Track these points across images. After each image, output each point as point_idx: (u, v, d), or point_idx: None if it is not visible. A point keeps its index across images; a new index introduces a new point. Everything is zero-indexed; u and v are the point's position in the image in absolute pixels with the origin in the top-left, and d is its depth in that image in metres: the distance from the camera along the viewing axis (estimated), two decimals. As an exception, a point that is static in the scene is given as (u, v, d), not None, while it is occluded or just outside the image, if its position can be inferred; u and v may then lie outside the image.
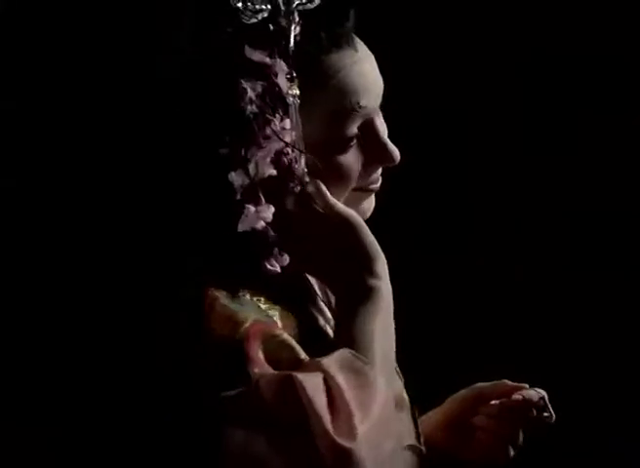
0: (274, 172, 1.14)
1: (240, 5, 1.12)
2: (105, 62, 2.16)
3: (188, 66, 1.18)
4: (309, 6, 1.14)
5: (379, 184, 1.27)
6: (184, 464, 1.11)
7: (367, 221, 1.24)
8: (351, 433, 1.07)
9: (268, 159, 1.14)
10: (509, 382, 1.32)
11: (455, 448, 1.35)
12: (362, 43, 1.20)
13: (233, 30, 1.13)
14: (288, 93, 1.14)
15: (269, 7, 1.12)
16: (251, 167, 1.13)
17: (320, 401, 1.07)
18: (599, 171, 2.44)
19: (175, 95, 1.20)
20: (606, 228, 2.46)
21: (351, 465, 1.06)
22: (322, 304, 1.27)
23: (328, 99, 1.17)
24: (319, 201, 1.19)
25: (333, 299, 1.25)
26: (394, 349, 1.19)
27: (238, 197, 1.13)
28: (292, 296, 1.21)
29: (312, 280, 1.27)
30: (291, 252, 1.18)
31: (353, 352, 1.12)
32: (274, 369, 1.10)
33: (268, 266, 1.16)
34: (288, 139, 1.14)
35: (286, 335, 1.13)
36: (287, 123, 1.14)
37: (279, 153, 1.15)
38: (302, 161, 1.16)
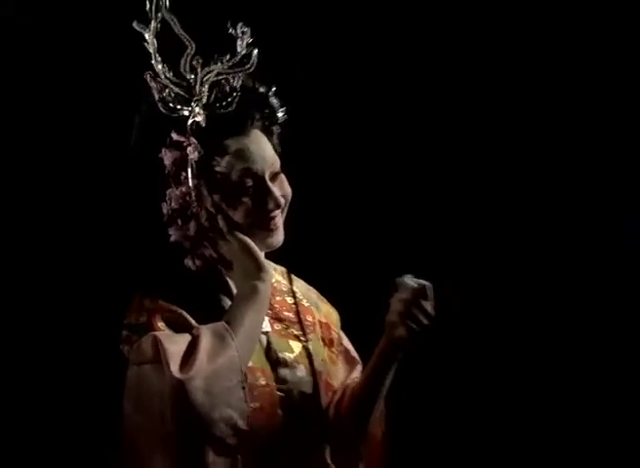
0: (184, 205, 1.82)
1: (165, 110, 1.81)
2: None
3: (135, 138, 1.88)
4: (224, 111, 1.82)
5: (275, 225, 1.87)
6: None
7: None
8: (189, 369, 1.67)
9: (179, 197, 1.82)
10: None
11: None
12: (256, 130, 1.85)
13: (162, 117, 1.81)
14: (192, 158, 1.80)
15: (189, 110, 1.81)
16: (168, 201, 1.82)
17: (173, 350, 1.69)
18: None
19: (126, 153, 1.90)
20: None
21: (185, 392, 1.66)
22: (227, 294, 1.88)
23: (229, 165, 1.82)
24: (225, 232, 1.84)
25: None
26: (260, 331, 1.83)
27: (165, 219, 1.85)
28: (209, 290, 1.88)
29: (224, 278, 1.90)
30: (210, 257, 1.87)
31: (226, 325, 1.76)
32: (173, 329, 1.77)
33: (188, 263, 1.86)
34: (189, 187, 1.81)
35: (180, 311, 1.78)
36: (192, 176, 1.80)
37: (185, 194, 1.81)
38: (208, 201, 1.82)
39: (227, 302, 1.88)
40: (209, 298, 1.88)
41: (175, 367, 1.68)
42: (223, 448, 1.71)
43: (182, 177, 1.82)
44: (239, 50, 1.82)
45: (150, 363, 1.72)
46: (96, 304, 2.69)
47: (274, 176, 1.87)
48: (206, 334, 1.74)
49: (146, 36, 1.80)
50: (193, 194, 1.82)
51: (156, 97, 1.80)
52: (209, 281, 1.89)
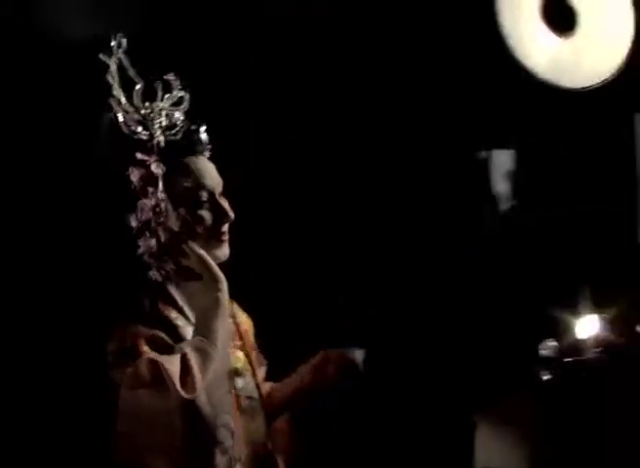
0: (151, 217, 2.01)
1: (128, 132, 2.02)
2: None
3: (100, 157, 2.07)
4: (174, 138, 2.07)
5: (225, 237, 2.09)
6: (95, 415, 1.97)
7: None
8: (193, 388, 1.86)
9: (148, 209, 2.01)
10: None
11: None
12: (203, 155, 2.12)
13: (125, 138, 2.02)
14: (158, 174, 2.02)
15: (148, 134, 2.04)
16: (137, 213, 2.01)
17: (174, 371, 1.85)
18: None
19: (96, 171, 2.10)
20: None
21: (195, 409, 1.85)
22: (184, 309, 2.07)
23: (188, 180, 2.06)
24: (185, 245, 2.05)
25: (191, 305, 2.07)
26: (231, 337, 2.06)
27: (133, 232, 2.03)
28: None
29: (178, 293, 2.08)
30: (170, 270, 2.05)
31: (203, 339, 1.94)
32: (157, 351, 1.91)
33: (154, 275, 2.03)
34: (158, 198, 2.02)
35: (160, 333, 1.96)
36: (158, 190, 2.02)
37: (155, 206, 2.01)
38: (172, 214, 2.03)
39: (173, 315, 2.06)
40: (159, 313, 2.06)
41: (180, 387, 1.85)
42: (224, 449, 1.91)
43: (150, 192, 2.02)
44: (174, 93, 2.08)
45: (147, 386, 1.87)
46: (71, 322, 2.72)
47: (220, 195, 2.12)
48: (190, 351, 1.92)
49: (111, 68, 2.00)
50: (162, 205, 2.02)
51: (120, 119, 2.00)
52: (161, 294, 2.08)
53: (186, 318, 2.07)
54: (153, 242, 2.02)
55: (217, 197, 2.10)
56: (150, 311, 2.02)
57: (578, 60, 2.71)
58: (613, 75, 2.66)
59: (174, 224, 2.04)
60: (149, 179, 2.02)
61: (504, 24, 2.73)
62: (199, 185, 2.07)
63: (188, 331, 2.04)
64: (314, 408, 2.26)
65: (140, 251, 2.02)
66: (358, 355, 2.21)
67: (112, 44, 2.00)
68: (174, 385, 1.84)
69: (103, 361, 1.96)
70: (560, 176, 3.06)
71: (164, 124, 2.05)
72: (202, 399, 1.86)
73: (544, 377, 2.93)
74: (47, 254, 2.77)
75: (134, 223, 2.02)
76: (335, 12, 3.03)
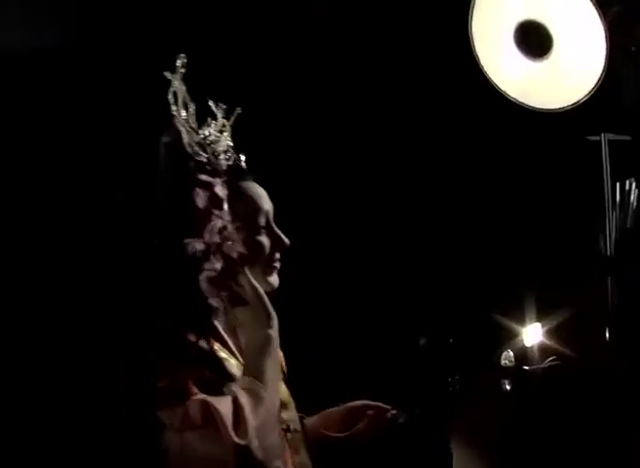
0: (218, 240, 1.89)
1: (190, 152, 1.91)
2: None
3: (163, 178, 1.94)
4: (228, 163, 1.98)
5: (278, 265, 2.01)
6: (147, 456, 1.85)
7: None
8: (245, 432, 1.77)
9: (216, 231, 1.89)
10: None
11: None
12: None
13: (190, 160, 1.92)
14: (221, 196, 1.91)
15: (206, 156, 1.94)
16: (205, 235, 1.88)
17: (226, 414, 1.76)
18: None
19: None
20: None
21: (247, 454, 1.76)
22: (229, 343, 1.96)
23: (246, 205, 1.98)
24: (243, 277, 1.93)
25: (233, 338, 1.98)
26: (279, 373, 1.95)
27: (197, 256, 1.88)
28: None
29: (222, 325, 1.96)
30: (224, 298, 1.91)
31: (252, 379, 1.86)
32: (207, 392, 1.80)
33: (211, 302, 1.89)
34: (223, 222, 1.90)
35: (208, 372, 1.84)
36: (224, 213, 1.91)
37: (221, 229, 1.90)
38: (235, 238, 1.92)
39: (215, 347, 1.94)
40: (204, 347, 1.93)
41: (232, 431, 1.77)
42: None
43: (216, 214, 1.91)
44: (219, 120, 2.00)
45: (197, 428, 1.78)
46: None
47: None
48: (241, 393, 1.83)
49: (173, 86, 1.92)
50: (229, 228, 1.92)
51: (185, 139, 1.91)
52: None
53: (230, 351, 1.96)
54: (219, 265, 1.90)
55: (272, 223, 2.02)
56: (195, 345, 1.88)
57: (550, 84, 2.79)
58: (584, 98, 2.75)
59: (236, 249, 1.93)
60: (215, 201, 1.91)
61: (477, 43, 2.77)
62: (257, 210, 1.99)
63: (232, 365, 1.93)
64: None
65: (203, 275, 1.88)
66: (399, 415, 2.12)
67: (177, 63, 1.91)
68: (226, 429, 1.76)
69: (150, 397, 1.85)
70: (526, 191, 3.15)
71: (219, 148, 1.96)
72: (254, 443, 1.78)
73: (506, 386, 3.03)
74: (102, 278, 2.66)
75: (199, 246, 1.88)
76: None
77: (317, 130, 3.03)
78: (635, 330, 3.01)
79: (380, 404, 2.17)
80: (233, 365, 1.94)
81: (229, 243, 1.91)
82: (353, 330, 3.05)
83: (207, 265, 1.89)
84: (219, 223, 1.90)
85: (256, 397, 1.84)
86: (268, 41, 2.91)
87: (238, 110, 2.01)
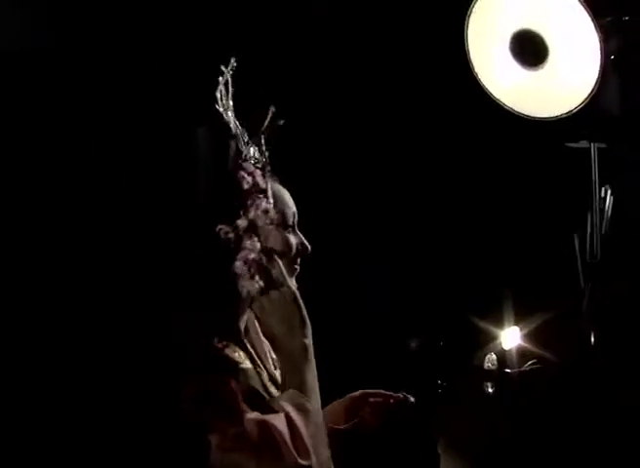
0: (263, 218, 1.86)
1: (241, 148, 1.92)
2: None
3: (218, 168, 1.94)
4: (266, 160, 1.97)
5: (299, 269, 1.96)
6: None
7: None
8: (307, 453, 1.72)
9: (261, 209, 1.86)
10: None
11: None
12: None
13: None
14: (263, 185, 1.90)
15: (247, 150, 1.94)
16: (249, 212, 1.86)
17: (285, 433, 1.71)
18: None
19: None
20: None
21: None
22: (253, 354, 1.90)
23: (276, 204, 1.91)
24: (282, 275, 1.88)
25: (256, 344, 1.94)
26: (317, 383, 1.84)
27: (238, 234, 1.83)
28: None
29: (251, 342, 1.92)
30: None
31: (298, 392, 1.79)
32: (255, 409, 1.73)
33: (243, 286, 1.82)
34: (267, 206, 1.88)
35: (252, 386, 1.81)
36: (268, 197, 1.89)
37: (265, 210, 1.87)
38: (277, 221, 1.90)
39: (236, 355, 1.87)
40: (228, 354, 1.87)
41: (294, 451, 1.71)
42: None
43: (260, 197, 1.89)
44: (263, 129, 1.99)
45: (253, 449, 1.69)
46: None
47: None
48: (291, 409, 1.76)
49: (224, 81, 1.96)
50: (272, 212, 1.89)
51: (233, 131, 1.92)
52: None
53: (251, 360, 1.89)
54: (258, 246, 1.85)
55: (296, 227, 1.98)
56: (221, 352, 1.80)
57: (545, 93, 2.82)
58: (579, 107, 2.79)
59: (275, 235, 1.90)
60: (258, 187, 1.89)
61: (471, 51, 2.79)
62: (288, 210, 1.96)
63: (265, 378, 1.88)
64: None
65: (240, 255, 1.83)
66: (407, 399, 2.07)
67: (231, 62, 1.97)
68: (288, 449, 1.69)
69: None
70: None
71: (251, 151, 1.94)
72: (313, 461, 1.72)
73: (489, 389, 3.06)
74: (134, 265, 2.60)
75: (243, 223, 1.83)
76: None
77: (312, 131, 3.03)
78: (615, 332, 3.07)
79: (379, 390, 2.13)
80: (265, 377, 1.89)
81: (271, 226, 1.88)
82: (343, 331, 3.05)
83: (247, 243, 1.84)
84: (263, 203, 1.87)
85: (303, 411, 1.77)
86: (268, 41, 2.89)
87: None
